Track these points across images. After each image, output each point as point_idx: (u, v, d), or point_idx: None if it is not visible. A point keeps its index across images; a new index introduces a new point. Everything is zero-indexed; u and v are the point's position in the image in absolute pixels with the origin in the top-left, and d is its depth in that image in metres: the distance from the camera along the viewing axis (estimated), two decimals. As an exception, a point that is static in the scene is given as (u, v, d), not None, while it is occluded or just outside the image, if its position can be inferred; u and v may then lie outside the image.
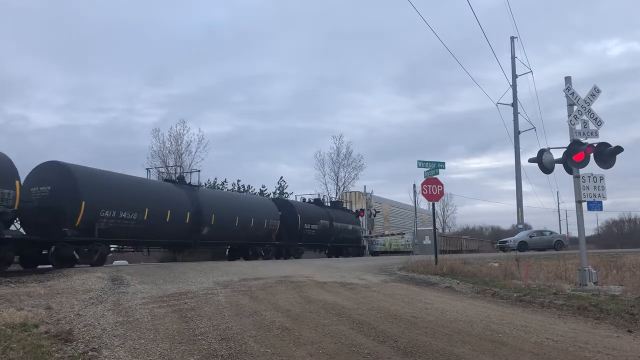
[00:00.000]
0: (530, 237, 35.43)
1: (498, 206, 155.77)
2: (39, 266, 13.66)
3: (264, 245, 22.28)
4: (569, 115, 10.67)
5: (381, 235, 35.43)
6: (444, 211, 70.18)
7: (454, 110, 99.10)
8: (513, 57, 33.78)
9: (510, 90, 33.18)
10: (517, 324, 6.47)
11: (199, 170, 21.01)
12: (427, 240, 36.91)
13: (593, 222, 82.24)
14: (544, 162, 11.08)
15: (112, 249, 16.67)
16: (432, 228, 18.90)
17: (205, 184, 31.42)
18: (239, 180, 39.13)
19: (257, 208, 22.40)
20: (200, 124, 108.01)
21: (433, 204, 16.24)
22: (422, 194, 15.73)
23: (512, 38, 33.97)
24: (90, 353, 4.75)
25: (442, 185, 15.17)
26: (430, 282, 11.17)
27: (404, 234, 37.12)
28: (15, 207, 11.99)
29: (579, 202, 10.56)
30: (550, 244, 34.64)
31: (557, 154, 10.98)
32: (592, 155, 10.36)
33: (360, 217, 31.62)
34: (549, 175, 11.97)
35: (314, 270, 12.68)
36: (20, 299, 7.39)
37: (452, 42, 79.58)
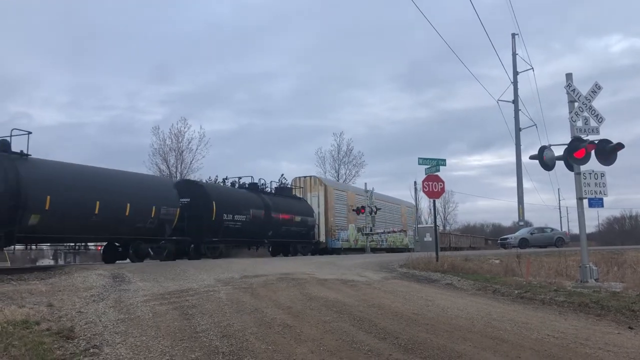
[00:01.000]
0: (531, 234, 35.49)
1: (499, 203, 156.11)
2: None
3: (153, 242, 16.93)
4: (570, 112, 10.65)
5: (378, 233, 33.48)
6: (445, 208, 70.21)
7: (456, 107, 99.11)
8: (514, 54, 33.74)
9: (512, 87, 33.15)
10: (518, 320, 6.48)
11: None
12: (428, 237, 37.01)
13: (594, 219, 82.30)
14: (544, 159, 11.06)
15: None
16: (432, 225, 18.91)
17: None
18: (239, 178, 38.58)
19: (140, 191, 16.51)
20: (203, 122, 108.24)
21: (434, 201, 16.23)
22: (423, 191, 15.70)
23: (513, 35, 33.91)
24: (91, 350, 4.76)
25: (443, 182, 15.16)
26: (431, 279, 11.17)
27: (394, 231, 35.91)
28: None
29: (580, 199, 10.55)
30: (551, 241, 34.70)
31: (558, 151, 10.98)
32: (593, 152, 10.35)
33: (360, 214, 31.34)
34: (550, 172, 11.97)
35: (315, 267, 12.71)
36: (21, 296, 7.41)
37: (454, 39, 79.64)
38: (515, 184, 32.19)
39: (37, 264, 23.21)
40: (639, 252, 21.10)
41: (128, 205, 15.60)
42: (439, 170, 15.29)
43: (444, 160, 15.53)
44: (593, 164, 10.48)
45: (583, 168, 10.56)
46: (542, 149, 11.18)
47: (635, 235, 62.55)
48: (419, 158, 15.44)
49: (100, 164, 15.95)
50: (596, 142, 10.39)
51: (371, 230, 32.20)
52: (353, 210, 31.34)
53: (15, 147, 13.52)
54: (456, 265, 13.66)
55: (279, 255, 24.09)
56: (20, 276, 9.89)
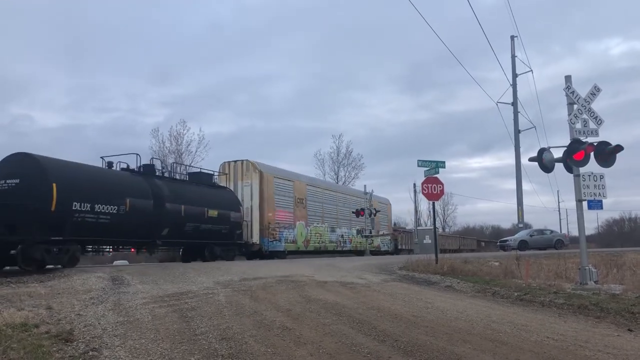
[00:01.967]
0: (531, 236, 35.49)
1: (499, 205, 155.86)
2: None
3: None
4: (569, 114, 10.67)
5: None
6: (444, 210, 70.20)
7: (456, 110, 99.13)
8: (513, 57, 33.75)
9: (511, 89, 33.19)
10: (518, 323, 6.48)
11: None
12: (428, 240, 37.00)
13: (593, 221, 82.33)
14: (544, 161, 11.08)
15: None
16: (432, 227, 18.92)
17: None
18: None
19: None
20: (204, 124, 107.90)
21: (433, 203, 16.25)
22: (422, 193, 15.74)
23: (512, 37, 33.93)
24: (90, 353, 4.75)
25: (442, 184, 15.19)
26: (430, 282, 11.17)
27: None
28: None
29: (579, 201, 10.56)
30: (551, 243, 34.69)
31: (558, 153, 10.99)
32: (592, 154, 10.36)
33: (360, 216, 31.03)
34: (549, 174, 11.99)
35: (314, 270, 12.70)
36: (20, 299, 7.39)
37: (454, 41, 79.50)
38: (514, 186, 32.21)
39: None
40: (638, 254, 21.12)
41: None
42: (438, 172, 15.33)
43: (443, 162, 15.58)
44: (592, 166, 10.51)
45: (582, 170, 10.57)
46: (542, 151, 11.19)
47: (635, 237, 62.55)
48: (418, 160, 15.51)
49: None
50: (595, 144, 10.40)
51: (370, 233, 32.18)
52: (353, 212, 30.84)
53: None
54: (455, 267, 13.67)
55: (197, 260, 18.15)
56: (20, 279, 9.87)
